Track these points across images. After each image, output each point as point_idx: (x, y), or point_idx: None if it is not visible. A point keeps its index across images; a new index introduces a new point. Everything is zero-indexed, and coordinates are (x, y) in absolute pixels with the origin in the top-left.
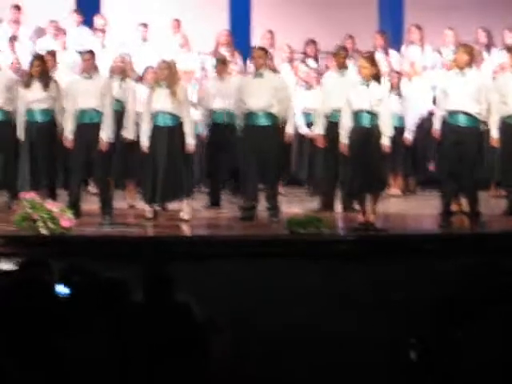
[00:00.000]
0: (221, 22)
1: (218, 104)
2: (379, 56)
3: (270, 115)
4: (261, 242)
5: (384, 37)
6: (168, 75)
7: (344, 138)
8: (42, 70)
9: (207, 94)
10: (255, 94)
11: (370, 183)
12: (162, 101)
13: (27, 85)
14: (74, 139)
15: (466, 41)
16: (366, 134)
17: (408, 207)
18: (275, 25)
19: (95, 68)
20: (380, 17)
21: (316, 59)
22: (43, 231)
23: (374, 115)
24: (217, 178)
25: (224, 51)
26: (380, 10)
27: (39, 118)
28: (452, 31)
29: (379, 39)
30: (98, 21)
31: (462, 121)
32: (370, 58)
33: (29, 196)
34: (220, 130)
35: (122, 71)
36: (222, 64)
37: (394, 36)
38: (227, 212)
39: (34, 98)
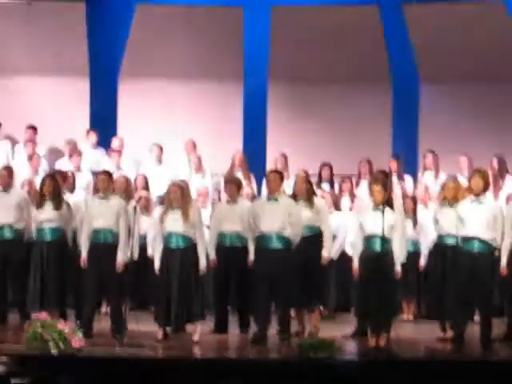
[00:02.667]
0: (235, 143)
1: (228, 226)
2: (393, 180)
3: (283, 238)
4: (271, 365)
5: (398, 161)
6: (180, 197)
7: (356, 261)
8: (53, 189)
9: (218, 216)
10: (269, 217)
11: (382, 308)
12: (174, 222)
13: (39, 204)
14: (88, 259)
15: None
16: (378, 259)
17: (420, 332)
18: (290, 147)
19: (110, 189)
20: (394, 141)
21: (331, 183)
22: (54, 351)
23: (386, 240)
24: (224, 303)
25: (238, 173)
26: (394, 134)
27: (49, 236)
28: (466, 157)
29: (394, 163)
30: (114, 142)
31: (476, 247)
32: (383, 183)
33: (41, 317)
34: (229, 253)
35: (125, 191)
36: (234, 186)
37: (408, 161)
38: (238, 334)
39: (45, 217)
